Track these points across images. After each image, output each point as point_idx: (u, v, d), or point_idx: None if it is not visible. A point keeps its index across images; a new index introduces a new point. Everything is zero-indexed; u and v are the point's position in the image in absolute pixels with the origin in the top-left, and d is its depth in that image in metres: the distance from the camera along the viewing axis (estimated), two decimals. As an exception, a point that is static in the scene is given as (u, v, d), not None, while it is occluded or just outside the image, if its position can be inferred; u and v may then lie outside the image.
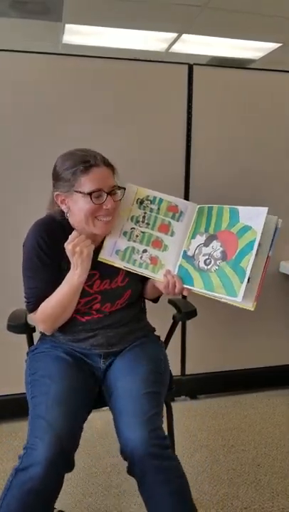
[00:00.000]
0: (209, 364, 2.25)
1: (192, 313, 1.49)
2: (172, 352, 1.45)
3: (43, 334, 1.41)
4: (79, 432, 1.16)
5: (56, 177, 1.25)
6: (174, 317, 1.52)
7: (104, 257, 1.29)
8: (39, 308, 1.27)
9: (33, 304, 1.28)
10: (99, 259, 1.28)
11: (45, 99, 1.83)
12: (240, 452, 1.83)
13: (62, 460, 1.06)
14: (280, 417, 2.10)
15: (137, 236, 1.29)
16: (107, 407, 1.29)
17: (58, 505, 1.51)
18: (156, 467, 1.09)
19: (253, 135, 2.08)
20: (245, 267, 1.13)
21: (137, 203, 1.31)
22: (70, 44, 4.92)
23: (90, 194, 1.18)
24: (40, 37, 4.72)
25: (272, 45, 4.96)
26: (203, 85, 1.98)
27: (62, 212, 1.28)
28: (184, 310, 1.50)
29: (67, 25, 4.41)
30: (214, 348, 2.24)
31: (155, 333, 1.48)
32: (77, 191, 1.20)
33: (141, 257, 1.28)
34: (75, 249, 1.19)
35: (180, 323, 1.69)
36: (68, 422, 1.11)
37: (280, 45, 4.91)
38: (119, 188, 1.26)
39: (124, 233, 1.30)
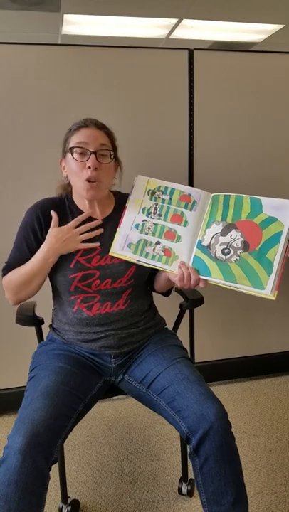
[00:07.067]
0: (218, 351, 2.25)
1: (199, 300, 1.48)
2: (180, 340, 1.45)
3: (52, 330, 1.41)
4: (60, 425, 1.13)
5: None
6: (181, 305, 1.52)
7: (116, 251, 1.27)
8: (7, 274, 1.33)
9: (6, 270, 1.34)
10: (110, 254, 1.27)
11: (45, 90, 1.81)
12: (252, 438, 1.84)
13: (37, 451, 1.04)
14: (291, 402, 2.11)
15: (149, 228, 1.27)
16: (117, 397, 1.29)
17: (71, 494, 1.54)
18: (228, 444, 1.12)
19: (256, 120, 2.05)
20: (273, 260, 1.12)
21: (148, 194, 1.29)
22: (69, 34, 4.88)
23: (71, 149, 1.24)
24: (39, 28, 4.70)
25: (274, 27, 4.88)
26: (204, 70, 1.95)
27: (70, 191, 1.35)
28: (191, 298, 1.49)
29: (65, 16, 4.38)
30: (223, 335, 2.23)
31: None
32: (67, 151, 1.27)
33: (154, 250, 1.25)
34: (67, 235, 1.23)
35: (188, 311, 1.69)
36: (48, 414, 1.10)
37: (282, 26, 4.83)
38: (110, 151, 1.26)
39: (136, 226, 1.28)
